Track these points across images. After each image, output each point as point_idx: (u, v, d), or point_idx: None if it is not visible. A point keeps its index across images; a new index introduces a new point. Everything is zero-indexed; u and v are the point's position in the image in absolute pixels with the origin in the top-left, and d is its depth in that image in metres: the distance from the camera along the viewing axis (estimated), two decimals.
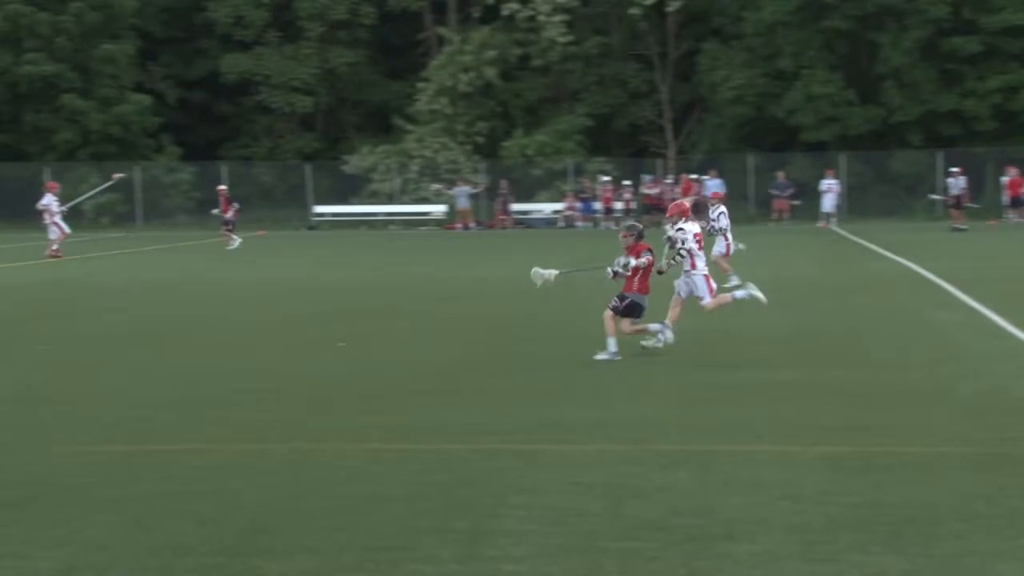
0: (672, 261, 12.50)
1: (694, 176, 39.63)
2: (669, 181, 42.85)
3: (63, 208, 29.40)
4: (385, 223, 44.64)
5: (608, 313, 11.72)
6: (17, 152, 45.94)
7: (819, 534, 6.02)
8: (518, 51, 47.59)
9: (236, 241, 31.88)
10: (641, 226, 12.36)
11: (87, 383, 10.85)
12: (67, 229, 29.10)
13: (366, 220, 45.10)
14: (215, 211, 34.44)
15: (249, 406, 9.54)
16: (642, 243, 11.90)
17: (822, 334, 13.58)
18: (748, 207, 43.84)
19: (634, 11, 45.89)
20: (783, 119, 44.54)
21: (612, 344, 11.59)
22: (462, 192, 43.70)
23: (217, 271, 24.91)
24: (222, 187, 34.89)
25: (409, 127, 47.18)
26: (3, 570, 5.53)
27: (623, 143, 49.33)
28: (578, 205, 43.54)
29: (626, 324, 11.80)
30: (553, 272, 12.50)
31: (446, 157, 46.08)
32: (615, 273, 11.84)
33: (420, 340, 13.33)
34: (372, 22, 49.98)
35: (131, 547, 5.88)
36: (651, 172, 44.50)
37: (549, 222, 43.91)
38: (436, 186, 45.16)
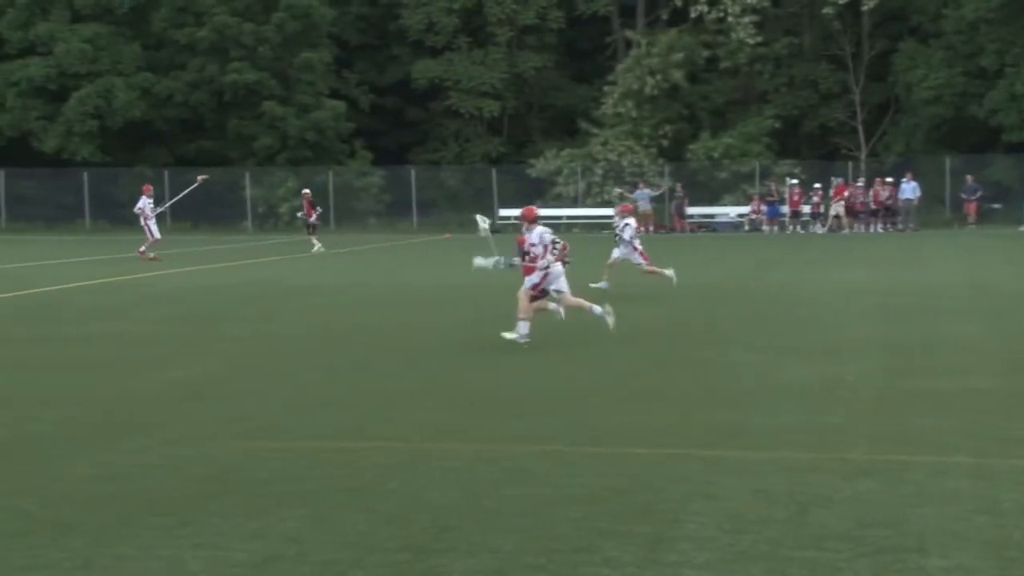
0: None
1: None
2: (861, 184, 41.71)
3: (158, 209, 29.85)
4: (569, 226, 44.79)
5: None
6: (221, 157, 48.00)
7: (1019, 550, 5.75)
8: (706, 53, 47.11)
9: (317, 245, 32.05)
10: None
11: (274, 380, 11.09)
12: (158, 234, 29.24)
13: (550, 223, 45.27)
14: (299, 214, 34.69)
15: (430, 406, 9.64)
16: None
17: (1019, 342, 12.97)
18: (944, 211, 42.28)
19: (827, 11, 44.87)
20: (984, 119, 42.77)
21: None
22: (643, 195, 43.50)
23: (403, 273, 25.47)
24: (306, 191, 34.96)
25: (594, 130, 47.26)
26: (203, 560, 5.69)
27: (813, 145, 48.30)
28: (764, 208, 42.78)
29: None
30: (492, 260, 13.50)
31: (631, 160, 45.95)
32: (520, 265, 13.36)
33: (599, 343, 13.25)
34: (560, 26, 50.31)
35: (321, 541, 5.99)
36: (842, 175, 43.38)
37: (734, 226, 43.27)
38: (618, 190, 45.05)
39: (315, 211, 33.51)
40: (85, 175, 45.96)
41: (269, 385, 10.73)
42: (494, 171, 48.15)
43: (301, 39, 47.90)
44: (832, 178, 42.05)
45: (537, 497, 6.72)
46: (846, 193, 41.27)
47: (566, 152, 46.95)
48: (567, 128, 50.54)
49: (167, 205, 29.59)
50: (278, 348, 13.25)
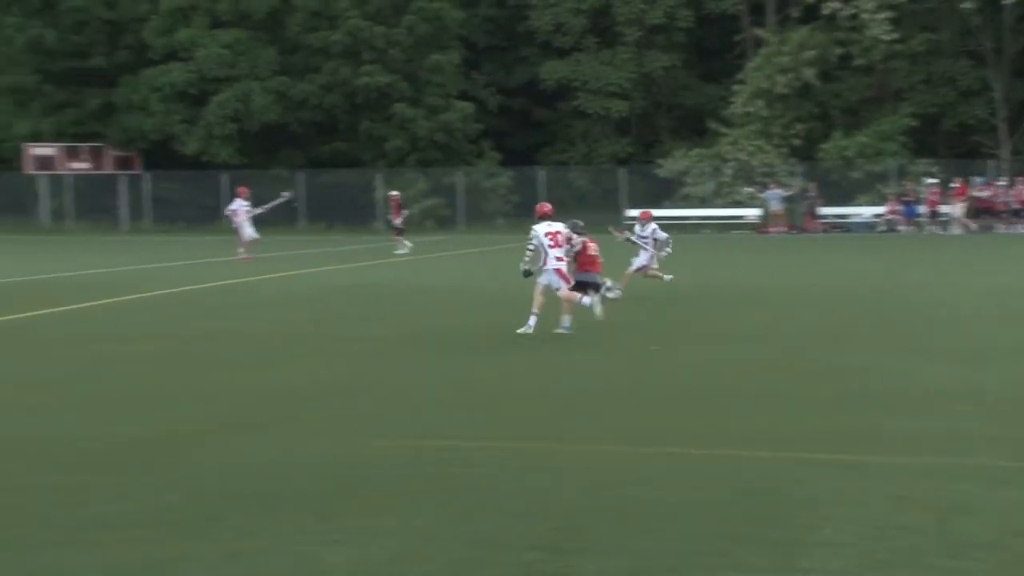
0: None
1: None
2: (1003, 183, 40.41)
3: (252, 212, 29.90)
4: (697, 227, 44.40)
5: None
6: (352, 159, 48.89)
7: None
8: (839, 50, 46.19)
9: (406, 247, 32.05)
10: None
11: (407, 379, 11.21)
12: (255, 234, 29.58)
13: (678, 224, 45.02)
14: (389, 217, 34.58)
15: (558, 406, 9.64)
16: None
17: None
18: None
19: (967, 5, 43.55)
20: None
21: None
22: (775, 195, 42.87)
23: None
24: (394, 193, 35.07)
25: (723, 130, 46.74)
26: (341, 556, 5.76)
27: (951, 144, 46.95)
28: (900, 208, 41.74)
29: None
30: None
31: (761, 160, 45.31)
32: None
33: (724, 344, 13.18)
34: (688, 25, 49.92)
35: (454, 539, 6.03)
36: (981, 174, 42.07)
37: (868, 226, 42.32)
38: (748, 189, 44.50)
39: (402, 214, 33.64)
40: (224, 177, 47.27)
41: (403, 384, 10.84)
42: (622, 171, 47.99)
43: (431, 41, 48.49)
44: (954, 178, 40.95)
45: (664, 499, 6.70)
46: (975, 193, 40.04)
47: (695, 152, 46.54)
48: (696, 128, 50.11)
49: (257, 212, 29.93)
50: (410, 347, 13.34)
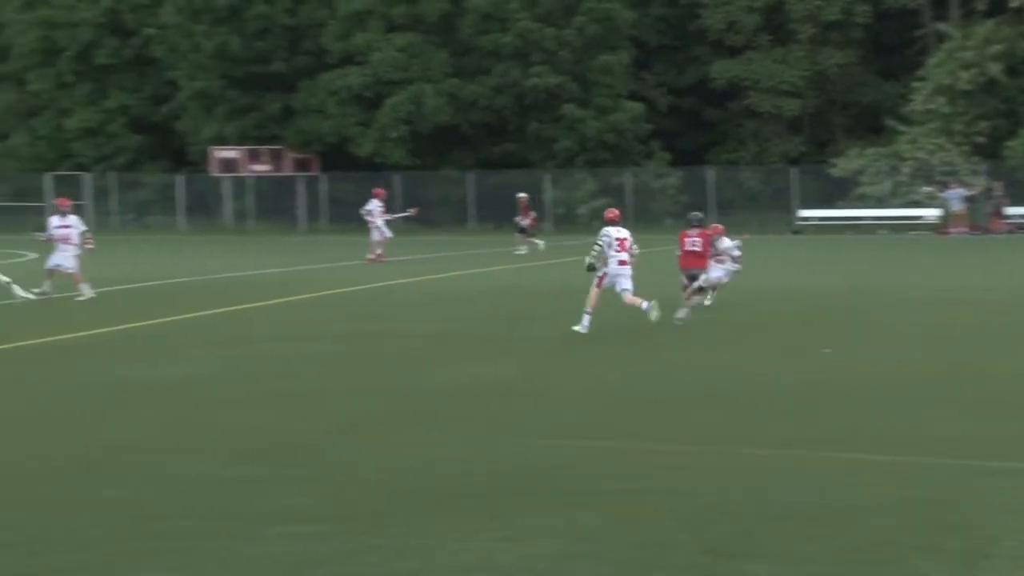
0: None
1: None
2: None
3: (387, 215, 30.48)
4: (873, 227, 43.20)
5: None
6: (521, 160, 49.25)
7: None
8: None
9: (524, 248, 32.24)
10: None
11: (573, 379, 11.23)
12: (389, 232, 30.04)
13: (852, 224, 43.92)
14: (517, 219, 34.56)
15: (724, 408, 9.56)
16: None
17: None
18: None
19: None
20: None
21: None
22: (955, 195, 41.36)
23: None
24: (522, 195, 35.09)
25: (902, 128, 45.32)
26: (511, 555, 5.81)
27: None
28: None
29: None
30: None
31: (941, 159, 43.78)
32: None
33: (902, 348, 12.85)
34: (866, 20, 48.60)
35: (619, 540, 6.00)
36: None
37: None
38: (927, 189, 43.05)
39: (530, 214, 34.12)
40: (396, 178, 48.25)
41: (569, 384, 10.88)
42: (794, 171, 47.05)
43: (601, 42, 48.44)
44: None
45: (834, 506, 6.56)
46: None
47: (871, 151, 45.26)
48: (872, 126, 48.73)
49: (389, 219, 30.42)
50: (576, 347, 13.38)
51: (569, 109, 47.36)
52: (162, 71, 53.39)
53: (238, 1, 48.85)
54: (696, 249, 16.26)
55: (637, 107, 48.40)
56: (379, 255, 29.29)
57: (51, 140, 55.81)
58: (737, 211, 46.28)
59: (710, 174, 47.10)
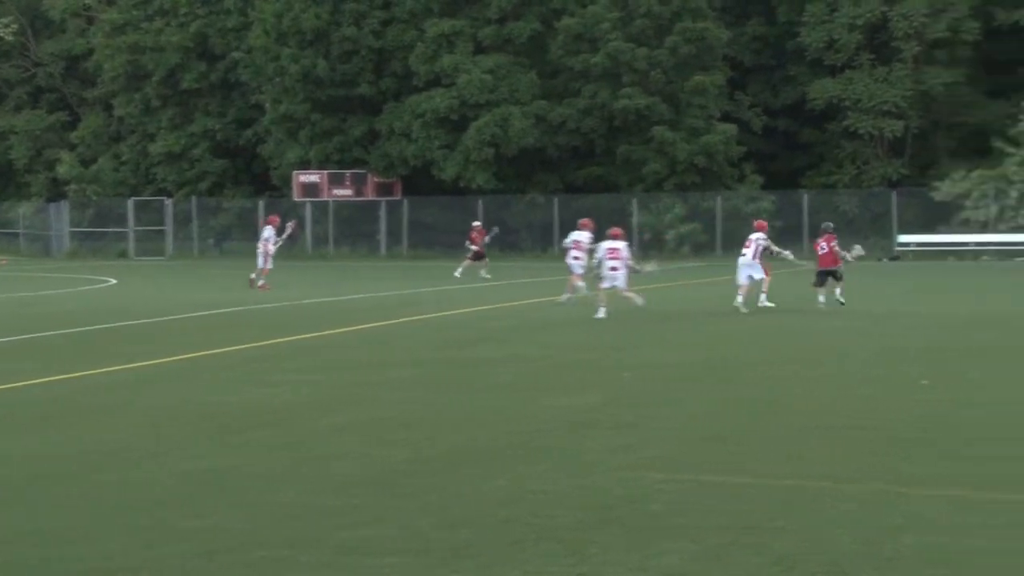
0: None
1: None
2: None
3: (280, 241, 29.54)
4: (976, 253, 41.05)
5: None
6: (608, 183, 47.95)
7: None
8: None
9: (460, 269, 32.34)
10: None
11: (661, 411, 10.52)
12: (269, 265, 28.78)
13: (954, 250, 41.79)
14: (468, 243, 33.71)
15: (824, 443, 8.73)
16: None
17: None
18: None
19: None
20: None
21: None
22: None
23: (787, 300, 23.74)
24: (476, 223, 35.10)
25: (1010, 149, 43.21)
26: None
27: None
28: None
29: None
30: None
31: None
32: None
33: (1006, 382, 11.71)
34: (975, 38, 46.52)
35: None
36: None
37: None
38: None
39: (483, 241, 33.30)
40: (480, 202, 47.30)
41: (656, 415, 10.10)
42: (893, 194, 45.06)
43: (694, 62, 47.01)
44: None
45: (940, 546, 6.09)
46: None
47: (976, 173, 43.17)
48: (978, 147, 46.58)
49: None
50: (666, 377, 12.57)
51: (659, 131, 45.92)
52: (247, 95, 53.30)
53: (325, 24, 48.47)
54: (823, 252, 20.70)
55: (730, 128, 46.79)
56: (262, 285, 28.08)
57: (135, 165, 56.07)
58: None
59: (805, 198, 45.29)
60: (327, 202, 50.56)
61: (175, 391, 11.71)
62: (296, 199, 50.47)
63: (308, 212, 51.14)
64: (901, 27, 46.24)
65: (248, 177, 55.15)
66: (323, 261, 47.14)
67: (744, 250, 20.81)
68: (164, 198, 54.13)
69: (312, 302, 23.96)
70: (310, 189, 50.27)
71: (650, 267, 22.74)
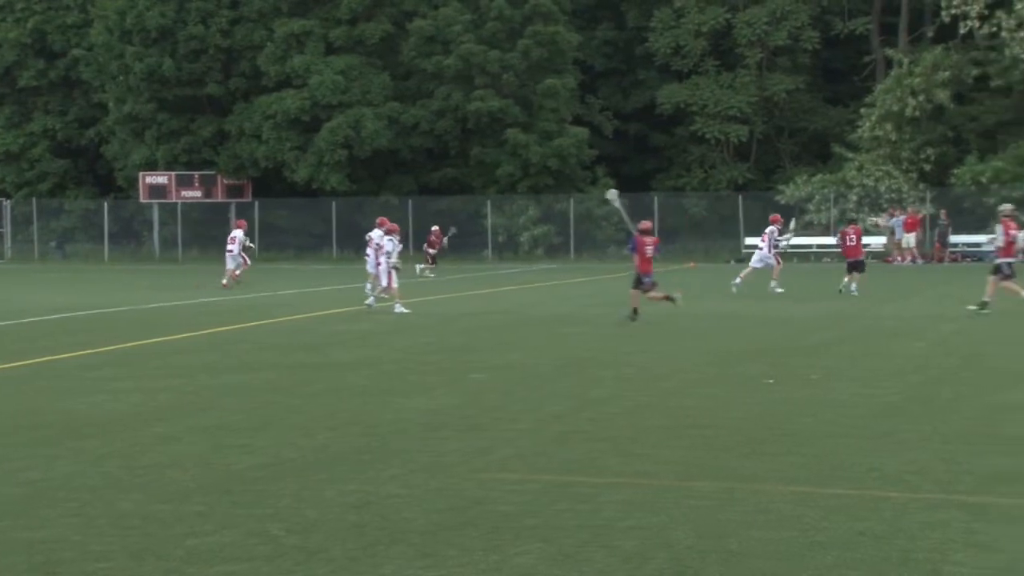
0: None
1: None
2: None
3: (250, 245, 30.81)
4: (819, 255, 42.41)
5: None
6: (463, 185, 48.01)
7: None
8: (975, 71, 43.95)
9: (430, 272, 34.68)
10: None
11: (515, 412, 10.47)
12: (232, 265, 29.27)
13: (800, 252, 43.11)
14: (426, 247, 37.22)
15: (672, 442, 8.84)
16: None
17: None
18: None
19: None
20: None
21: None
22: (899, 222, 40.73)
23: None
24: (435, 227, 37.90)
25: (849, 155, 44.81)
26: None
27: None
28: None
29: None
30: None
31: (888, 186, 43.21)
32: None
33: (840, 379, 12.06)
34: (814, 47, 48.09)
35: None
36: None
37: None
38: (873, 219, 42.30)
39: (440, 244, 36.98)
40: (334, 204, 46.79)
41: (510, 417, 10.05)
42: (740, 198, 46.26)
43: (546, 65, 47.42)
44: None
45: (785, 540, 6.19)
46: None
47: (818, 178, 44.64)
48: (819, 153, 48.19)
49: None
50: (521, 378, 12.55)
51: (512, 134, 46.19)
52: (89, 93, 51.69)
53: (171, 22, 47.33)
54: (851, 244, 23.44)
55: (582, 132, 47.36)
56: (227, 283, 28.81)
57: None
58: (683, 238, 45.34)
59: (655, 200, 46.13)
60: (175, 204, 49.37)
61: (1, 400, 11.25)
62: (143, 200, 49.16)
63: (155, 214, 49.87)
64: (744, 34, 47.51)
65: (92, 178, 53.50)
66: (172, 264, 46.00)
67: (760, 243, 24.11)
68: (1, 199, 52.08)
69: (157, 306, 23.37)
70: (157, 191, 49.02)
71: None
